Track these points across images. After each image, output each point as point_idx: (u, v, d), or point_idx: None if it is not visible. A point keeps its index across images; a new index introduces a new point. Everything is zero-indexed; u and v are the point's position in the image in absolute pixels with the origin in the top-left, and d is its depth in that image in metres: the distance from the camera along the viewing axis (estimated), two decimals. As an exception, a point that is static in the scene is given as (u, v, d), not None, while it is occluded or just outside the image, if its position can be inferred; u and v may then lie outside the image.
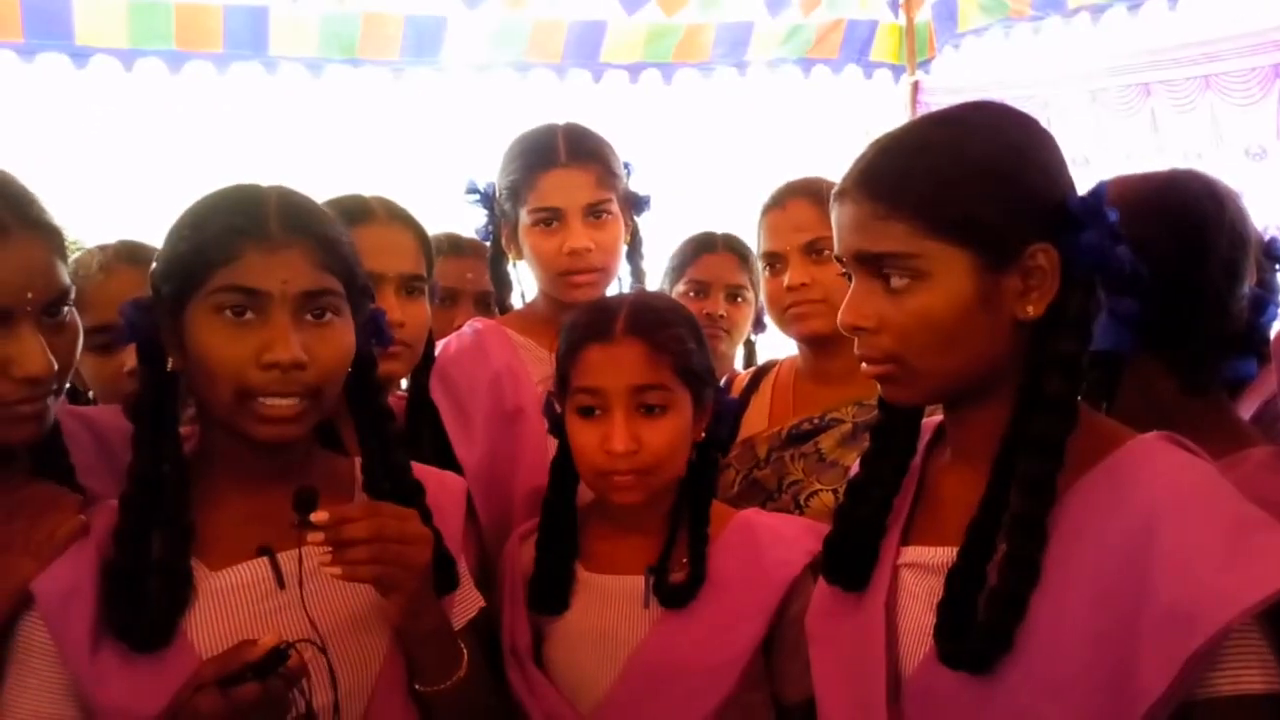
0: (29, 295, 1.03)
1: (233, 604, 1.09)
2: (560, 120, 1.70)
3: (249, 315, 1.04)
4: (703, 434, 1.35)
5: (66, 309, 1.09)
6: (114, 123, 3.62)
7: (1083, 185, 0.99)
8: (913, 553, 1.06)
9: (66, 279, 1.09)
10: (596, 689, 1.29)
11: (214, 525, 1.11)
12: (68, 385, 1.64)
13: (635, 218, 1.77)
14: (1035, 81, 3.66)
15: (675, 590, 1.28)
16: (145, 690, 1.01)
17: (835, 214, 1.02)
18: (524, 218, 1.64)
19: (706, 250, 2.19)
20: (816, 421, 1.59)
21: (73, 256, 1.55)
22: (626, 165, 1.73)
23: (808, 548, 1.26)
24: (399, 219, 1.52)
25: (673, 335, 1.28)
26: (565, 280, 1.63)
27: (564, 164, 1.62)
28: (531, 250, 1.65)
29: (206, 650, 1.05)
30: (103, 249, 1.59)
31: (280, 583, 1.10)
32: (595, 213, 1.63)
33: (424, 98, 3.38)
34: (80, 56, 3.22)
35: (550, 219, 1.62)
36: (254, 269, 1.04)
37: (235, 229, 1.04)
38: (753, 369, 1.78)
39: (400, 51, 3.34)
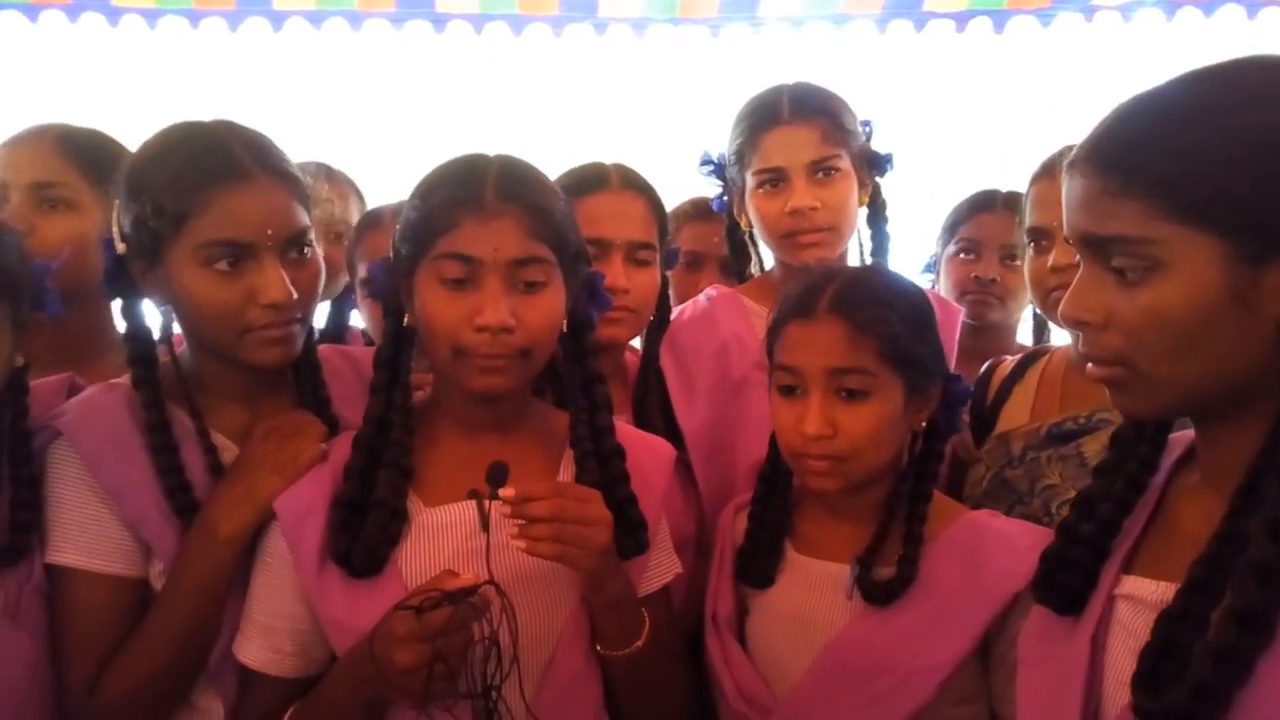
0: (269, 232, 1.17)
1: (441, 540, 1.18)
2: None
3: (466, 280, 1.12)
4: (923, 423, 1.25)
5: (308, 248, 1.23)
6: (385, 84, 3.91)
7: None
8: (1133, 583, 0.92)
9: (305, 220, 1.22)
10: (791, 671, 1.25)
11: (434, 465, 1.21)
12: (362, 330, 1.87)
13: (877, 179, 1.66)
14: None
15: (880, 586, 1.21)
16: (359, 608, 1.13)
17: (1065, 189, 0.89)
18: (749, 181, 1.60)
19: (983, 208, 1.98)
20: (1082, 421, 1.40)
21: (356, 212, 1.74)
22: (865, 123, 1.62)
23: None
24: (633, 187, 1.54)
25: (880, 316, 1.19)
26: (791, 242, 1.57)
27: (787, 121, 1.55)
28: (757, 213, 1.60)
29: (413, 579, 1.14)
30: (379, 208, 1.76)
31: (484, 526, 1.17)
32: (822, 170, 1.55)
33: (740, 56, 3.35)
34: (439, 22, 3.55)
35: (775, 179, 1.56)
36: (469, 237, 1.12)
37: (455, 200, 1.13)
38: (1020, 354, 1.60)
39: (719, 9, 3.34)
